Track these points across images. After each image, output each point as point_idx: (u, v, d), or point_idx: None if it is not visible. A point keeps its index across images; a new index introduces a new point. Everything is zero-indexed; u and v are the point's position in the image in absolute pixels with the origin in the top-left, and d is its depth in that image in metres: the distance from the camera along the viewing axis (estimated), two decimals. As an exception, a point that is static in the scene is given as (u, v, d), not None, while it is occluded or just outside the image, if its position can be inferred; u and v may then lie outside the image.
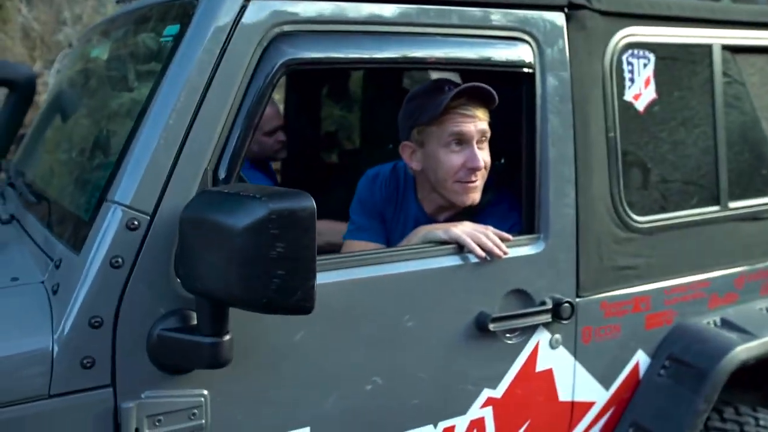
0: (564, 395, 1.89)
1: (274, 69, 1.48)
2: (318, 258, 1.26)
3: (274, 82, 1.49)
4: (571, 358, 1.88)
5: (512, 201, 1.93)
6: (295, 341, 1.51)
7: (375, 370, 1.61)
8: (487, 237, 1.71)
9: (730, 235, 2.16)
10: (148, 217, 1.38)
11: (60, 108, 2.37)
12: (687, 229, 2.06)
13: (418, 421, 1.69)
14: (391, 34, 1.63)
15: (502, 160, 2.21)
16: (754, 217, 2.20)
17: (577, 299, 1.85)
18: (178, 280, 1.38)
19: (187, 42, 1.46)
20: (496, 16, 1.74)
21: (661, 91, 2.02)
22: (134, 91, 1.68)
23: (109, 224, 1.36)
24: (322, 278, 1.38)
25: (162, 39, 1.60)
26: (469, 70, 1.80)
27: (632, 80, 1.97)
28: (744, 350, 1.96)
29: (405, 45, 1.64)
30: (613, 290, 1.92)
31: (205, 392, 1.43)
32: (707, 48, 2.12)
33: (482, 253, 1.69)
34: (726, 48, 2.16)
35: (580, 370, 1.89)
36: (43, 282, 1.45)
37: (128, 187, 1.38)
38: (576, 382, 1.89)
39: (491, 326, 1.70)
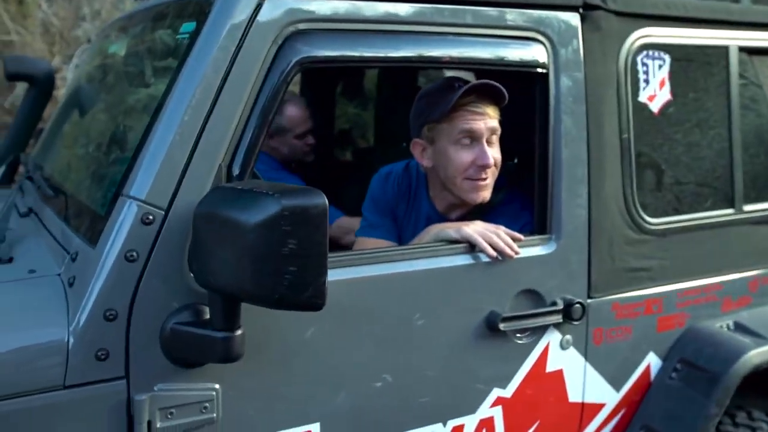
0: (574, 396, 1.88)
1: (289, 67, 1.49)
2: (329, 255, 1.27)
3: (288, 80, 1.50)
4: (582, 359, 1.87)
5: (524, 201, 1.93)
6: (306, 338, 1.52)
7: (385, 367, 1.62)
8: (499, 237, 1.71)
9: (744, 238, 2.14)
10: (163, 212, 1.39)
11: (77, 103, 2.40)
12: (700, 231, 2.05)
13: (427, 420, 1.69)
14: (406, 33, 1.63)
15: (515, 160, 2.21)
16: (769, 220, 2.19)
17: (589, 300, 1.85)
18: (192, 274, 1.39)
19: (203, 39, 1.47)
20: (511, 15, 1.74)
21: (676, 92, 2.01)
22: (151, 87, 1.69)
23: (125, 218, 1.38)
24: (333, 275, 1.39)
25: (178, 36, 1.61)
26: (483, 69, 1.80)
27: (647, 81, 1.96)
28: (757, 354, 1.94)
29: (419, 44, 1.65)
30: (625, 292, 1.92)
31: (217, 386, 1.45)
32: (724, 49, 2.10)
33: (493, 253, 1.69)
34: (743, 50, 2.15)
35: (591, 371, 1.89)
36: (59, 274, 1.47)
37: (144, 182, 1.40)
38: (586, 384, 1.89)
39: (502, 326, 1.70)
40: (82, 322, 1.34)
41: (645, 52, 1.95)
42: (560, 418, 1.88)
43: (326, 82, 3.55)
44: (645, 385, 1.99)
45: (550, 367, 1.83)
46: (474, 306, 1.71)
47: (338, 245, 2.36)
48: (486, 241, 1.69)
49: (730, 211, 2.12)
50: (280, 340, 1.51)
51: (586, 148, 1.83)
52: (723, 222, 2.10)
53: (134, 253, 1.37)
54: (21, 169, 2.82)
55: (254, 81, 1.47)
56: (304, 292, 1.24)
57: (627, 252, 1.91)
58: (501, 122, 1.83)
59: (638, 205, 1.93)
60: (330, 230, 2.40)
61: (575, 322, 1.80)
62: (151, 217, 1.38)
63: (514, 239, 1.73)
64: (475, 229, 1.72)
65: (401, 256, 1.64)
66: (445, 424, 1.71)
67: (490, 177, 1.83)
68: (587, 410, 1.91)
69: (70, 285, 1.40)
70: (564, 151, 1.80)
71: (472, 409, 1.74)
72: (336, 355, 1.57)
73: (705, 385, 1.91)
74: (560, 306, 1.79)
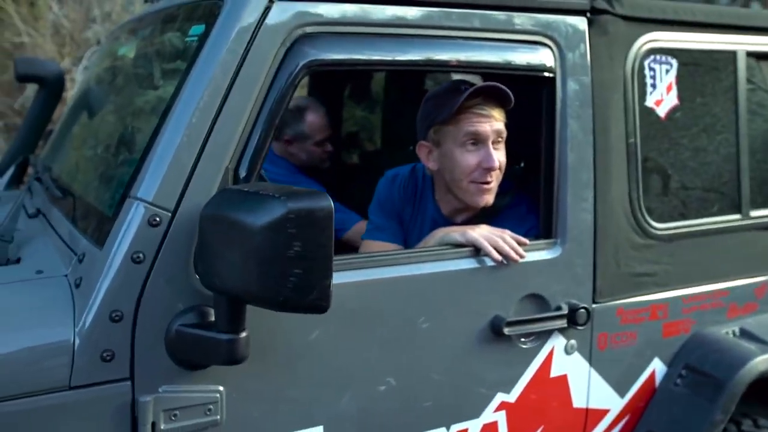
0: (578, 402, 1.88)
1: (297, 69, 1.50)
2: (334, 258, 1.27)
3: (296, 83, 1.51)
4: (586, 365, 1.87)
5: (530, 205, 1.93)
6: (311, 340, 1.53)
7: (389, 370, 1.62)
8: (504, 241, 1.71)
9: (750, 244, 2.14)
10: (170, 214, 1.40)
11: (86, 105, 2.41)
12: (707, 237, 2.04)
13: (431, 423, 1.69)
14: (414, 37, 1.63)
15: (521, 164, 2.21)
16: (776, 226, 2.18)
17: (594, 305, 1.85)
18: (197, 276, 1.40)
19: (212, 42, 1.48)
20: (519, 20, 1.74)
21: (683, 97, 2.01)
22: (159, 90, 1.70)
23: (132, 220, 1.39)
24: (338, 278, 1.40)
25: (187, 38, 1.62)
26: (490, 73, 1.80)
27: (654, 86, 1.96)
28: (763, 361, 1.94)
29: (427, 47, 1.65)
30: (630, 297, 1.91)
31: (221, 388, 1.45)
32: (731, 54, 2.10)
33: (498, 257, 1.69)
34: (751, 54, 2.14)
35: (595, 376, 1.89)
36: (66, 275, 1.48)
37: (151, 183, 1.41)
38: (591, 389, 1.89)
39: (506, 330, 1.70)
40: (88, 323, 1.35)
41: (652, 57, 1.95)
42: (564, 423, 1.87)
43: (334, 85, 3.56)
44: (650, 391, 1.99)
45: (555, 372, 1.82)
46: (479, 310, 1.71)
47: (355, 249, 2.36)
48: (491, 245, 1.69)
49: (736, 216, 2.11)
50: (284, 342, 1.51)
51: (593, 153, 1.82)
52: (729, 228, 2.09)
53: (141, 255, 1.38)
54: (30, 170, 2.84)
55: (262, 84, 1.48)
56: (309, 295, 1.24)
57: (632, 257, 1.91)
58: (507, 125, 1.83)
59: (644, 210, 1.93)
60: (348, 234, 2.42)
61: (580, 327, 1.80)
62: (157, 219, 1.39)
63: (520, 243, 1.73)
64: (481, 232, 1.72)
65: (406, 260, 1.64)
66: (448, 428, 1.71)
67: (495, 181, 1.83)
68: (591, 416, 1.91)
69: (77, 286, 1.41)
70: (570, 155, 1.79)
71: (475, 414, 1.74)
72: (340, 358, 1.57)
73: (710, 391, 1.90)
74: (565, 311, 1.78)
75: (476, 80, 2.20)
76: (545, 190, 1.81)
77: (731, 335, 2.08)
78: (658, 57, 1.96)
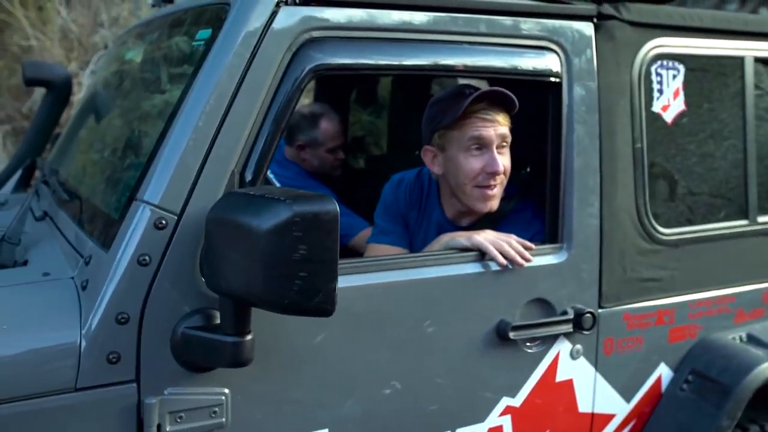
0: (584, 406, 1.87)
1: (303, 74, 1.50)
2: (340, 261, 1.27)
3: (302, 87, 1.51)
4: (592, 369, 1.86)
5: (535, 210, 1.93)
6: (316, 343, 1.53)
7: (394, 374, 1.62)
8: (510, 245, 1.71)
9: (758, 249, 2.13)
10: (176, 217, 1.41)
11: (94, 108, 2.42)
12: (714, 242, 2.04)
13: (436, 427, 1.69)
14: (420, 42, 1.64)
15: (527, 169, 2.21)
16: (783, 232, 2.17)
17: (600, 310, 1.84)
18: (203, 279, 1.40)
19: (219, 46, 1.49)
20: (525, 25, 1.74)
21: (690, 102, 2.01)
22: (166, 93, 1.71)
23: (138, 223, 1.40)
24: (343, 282, 1.40)
25: (194, 43, 1.63)
26: (496, 78, 1.80)
27: (661, 91, 1.95)
28: (770, 367, 1.93)
29: (434, 52, 1.66)
30: (636, 302, 1.91)
31: (227, 391, 1.45)
32: (739, 60, 2.10)
33: (503, 261, 1.69)
34: (758, 60, 2.14)
35: (601, 381, 1.88)
36: (73, 278, 1.48)
37: (157, 187, 1.41)
38: (596, 394, 1.88)
39: (511, 334, 1.70)
40: (94, 325, 1.36)
41: (659, 62, 1.95)
42: (570, 428, 1.87)
43: (340, 90, 3.57)
44: (656, 396, 1.98)
45: (560, 377, 1.82)
46: (484, 314, 1.71)
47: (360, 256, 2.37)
48: (496, 250, 1.69)
49: (744, 222, 2.11)
50: (289, 345, 1.51)
51: (599, 158, 1.82)
52: (736, 233, 2.08)
53: (147, 258, 1.38)
54: (37, 173, 2.85)
55: (268, 88, 1.48)
56: (314, 298, 1.25)
57: (639, 262, 1.90)
58: (513, 130, 1.83)
59: (650, 215, 1.92)
60: (354, 241, 2.42)
61: (586, 332, 1.79)
62: (164, 222, 1.40)
63: (526, 248, 1.73)
64: (486, 237, 1.72)
65: (412, 263, 1.64)
66: (453, 432, 1.71)
67: (499, 185, 1.83)
68: (597, 420, 1.90)
69: (83, 288, 1.42)
70: (576, 160, 1.79)
71: (480, 418, 1.74)
72: (345, 361, 1.57)
73: (717, 397, 1.89)
74: (571, 315, 1.78)
75: (482, 85, 2.21)
76: (551, 195, 1.81)
77: (738, 341, 2.07)
78: (665, 62, 1.96)
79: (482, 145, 1.80)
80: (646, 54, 1.92)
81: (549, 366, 1.80)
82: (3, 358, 1.31)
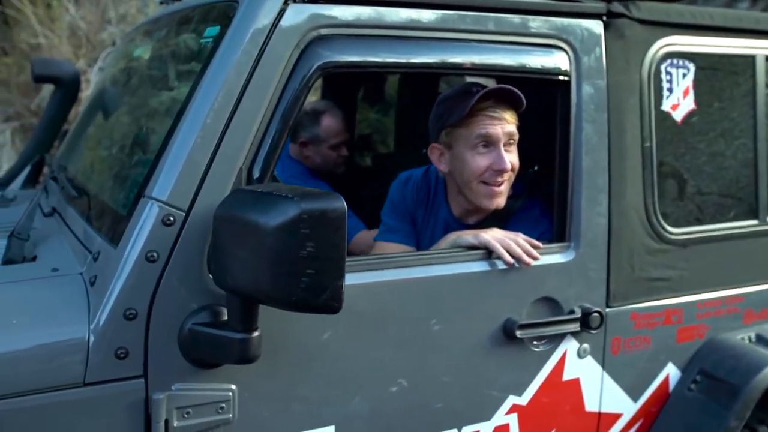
0: (591, 406, 1.87)
1: (311, 71, 1.50)
2: (347, 259, 1.27)
3: (309, 85, 1.51)
4: (599, 369, 1.86)
5: (543, 208, 1.92)
6: (323, 341, 1.53)
7: (400, 372, 1.62)
8: (517, 243, 1.70)
9: (767, 249, 2.12)
10: (184, 214, 1.41)
11: (102, 105, 2.43)
12: (723, 242, 2.03)
13: (443, 425, 1.69)
14: (428, 39, 1.63)
15: (535, 168, 2.20)
16: (793, 232, 2.16)
17: (607, 309, 1.83)
18: (211, 275, 1.40)
19: (227, 43, 1.49)
20: (534, 23, 1.74)
21: (700, 101, 2.00)
22: (174, 91, 1.71)
23: (146, 219, 1.40)
24: (350, 279, 1.40)
25: (202, 40, 1.63)
26: (504, 76, 1.80)
27: (670, 90, 1.94)
28: (779, 368, 1.92)
29: (442, 50, 1.65)
30: (644, 301, 1.90)
31: (233, 387, 1.46)
32: (750, 59, 2.08)
33: (510, 260, 1.69)
34: (769, 59, 2.12)
35: (608, 381, 1.88)
36: (81, 273, 1.49)
37: (165, 183, 1.42)
38: (603, 393, 1.88)
39: (518, 333, 1.69)
40: (102, 321, 1.36)
41: (669, 61, 1.94)
42: (576, 427, 1.86)
43: (348, 88, 3.57)
44: (663, 396, 1.97)
45: (567, 376, 1.81)
46: (491, 312, 1.70)
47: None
48: (503, 248, 1.69)
49: (753, 222, 2.09)
50: (296, 342, 1.51)
51: (607, 157, 1.82)
52: (746, 233, 2.07)
53: (155, 254, 1.38)
54: (46, 169, 2.86)
55: (276, 85, 1.48)
56: (322, 295, 1.25)
57: (647, 261, 1.89)
58: (521, 128, 1.83)
59: (659, 215, 1.91)
60: (350, 246, 2.41)
61: (593, 331, 1.79)
62: (172, 218, 1.40)
63: (533, 246, 1.73)
64: (494, 235, 1.71)
65: (419, 261, 1.64)
66: (459, 430, 1.71)
67: (506, 183, 1.83)
68: (604, 420, 1.90)
69: (92, 284, 1.42)
70: (585, 159, 1.79)
71: (487, 416, 1.74)
72: (352, 359, 1.57)
73: (725, 397, 1.89)
74: (578, 314, 1.77)
75: (491, 83, 2.20)
76: (559, 194, 1.80)
77: (747, 341, 2.06)
78: (675, 61, 1.95)
79: (489, 142, 1.79)
80: (656, 52, 1.91)
81: (556, 365, 1.79)
82: (12, 353, 1.32)
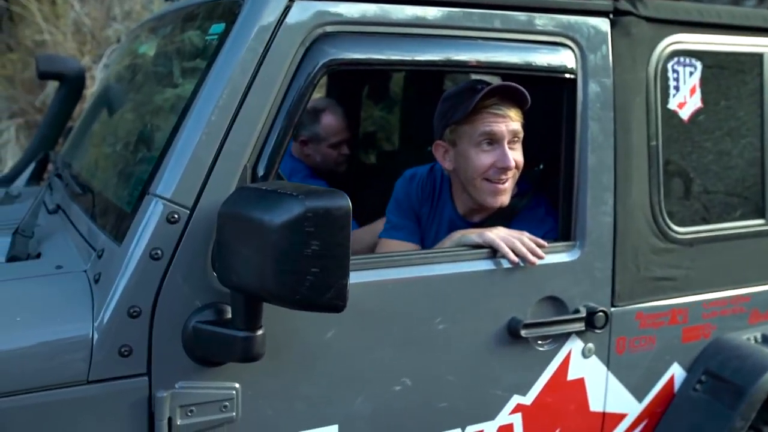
0: (595, 405, 1.86)
1: (316, 69, 1.50)
2: (351, 258, 1.27)
3: (315, 82, 1.51)
4: (604, 368, 1.85)
5: (548, 207, 1.91)
6: (326, 339, 1.53)
7: (404, 371, 1.62)
8: (522, 242, 1.69)
9: (774, 249, 2.11)
10: (188, 211, 1.41)
11: (106, 102, 2.43)
12: (729, 241, 2.02)
13: (446, 424, 1.68)
14: (434, 37, 1.63)
15: (541, 166, 2.20)
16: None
17: (612, 309, 1.83)
18: (215, 273, 1.40)
19: (232, 40, 1.49)
20: (540, 20, 1.73)
21: (707, 100, 1.98)
22: (179, 88, 1.71)
23: (151, 217, 1.40)
24: (354, 278, 1.39)
25: (207, 37, 1.63)
26: (510, 74, 1.79)
27: (677, 88, 1.93)
28: (785, 368, 1.91)
29: (447, 48, 1.64)
30: (649, 301, 1.89)
31: (237, 385, 1.46)
32: (758, 57, 2.07)
33: (515, 258, 1.68)
34: (777, 57, 2.11)
35: (613, 380, 1.87)
36: (85, 271, 1.49)
37: (170, 181, 1.41)
38: (608, 393, 1.87)
39: (523, 332, 1.69)
40: (106, 319, 1.36)
41: (676, 59, 1.93)
42: (581, 427, 1.86)
43: (353, 85, 3.56)
44: (668, 396, 1.96)
45: (572, 376, 1.81)
46: (495, 311, 1.70)
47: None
48: (508, 247, 1.68)
49: (760, 221, 2.08)
50: (300, 341, 1.51)
51: (613, 155, 1.81)
52: (752, 233, 2.06)
53: (159, 251, 1.38)
54: (50, 166, 2.86)
55: (281, 82, 1.48)
56: (326, 294, 1.24)
57: (652, 261, 1.88)
58: (526, 126, 1.82)
59: (665, 214, 1.90)
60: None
61: (598, 331, 1.78)
62: (176, 216, 1.40)
63: (538, 245, 1.72)
64: (498, 234, 1.71)
65: (423, 260, 1.64)
66: (463, 430, 1.70)
67: (510, 181, 1.82)
68: (608, 420, 1.89)
69: (96, 281, 1.42)
70: (590, 157, 1.78)
71: (491, 416, 1.73)
72: (356, 358, 1.57)
73: (730, 397, 1.88)
74: (583, 314, 1.77)
75: (496, 81, 2.19)
76: (565, 192, 1.79)
77: (753, 341, 2.05)
78: (681, 59, 1.93)
79: (493, 140, 1.79)
80: (663, 50, 1.90)
81: (560, 364, 1.79)
82: (16, 350, 1.32)
